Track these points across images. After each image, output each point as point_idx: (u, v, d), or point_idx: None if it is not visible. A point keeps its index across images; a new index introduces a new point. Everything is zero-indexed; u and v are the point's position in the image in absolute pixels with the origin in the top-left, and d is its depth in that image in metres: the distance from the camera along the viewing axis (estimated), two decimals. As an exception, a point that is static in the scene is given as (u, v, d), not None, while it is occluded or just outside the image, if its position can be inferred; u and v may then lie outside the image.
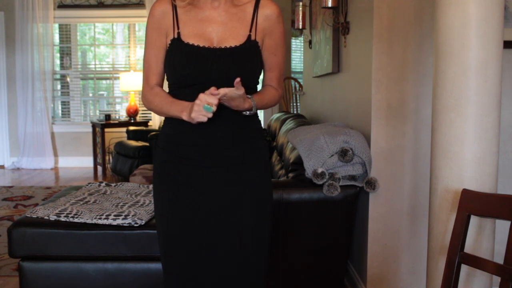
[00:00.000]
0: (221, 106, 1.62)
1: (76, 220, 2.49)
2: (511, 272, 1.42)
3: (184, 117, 1.58)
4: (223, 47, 1.65)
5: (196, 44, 1.65)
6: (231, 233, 1.68)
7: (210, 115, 1.53)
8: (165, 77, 1.75)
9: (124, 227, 2.45)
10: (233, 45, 1.65)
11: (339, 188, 2.47)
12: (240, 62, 1.64)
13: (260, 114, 6.82)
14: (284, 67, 1.81)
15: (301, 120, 3.66)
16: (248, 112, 1.64)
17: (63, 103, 7.84)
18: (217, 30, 1.67)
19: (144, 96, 1.74)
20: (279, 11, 1.72)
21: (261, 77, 1.79)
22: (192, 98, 1.62)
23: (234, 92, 1.53)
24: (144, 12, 7.35)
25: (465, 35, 1.68)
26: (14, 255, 2.48)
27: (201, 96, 1.53)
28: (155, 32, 1.70)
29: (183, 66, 1.64)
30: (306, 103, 5.24)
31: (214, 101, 1.51)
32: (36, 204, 4.99)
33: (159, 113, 1.71)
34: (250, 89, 1.69)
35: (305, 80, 5.30)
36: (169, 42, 1.68)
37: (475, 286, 1.76)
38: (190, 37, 1.66)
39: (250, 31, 1.68)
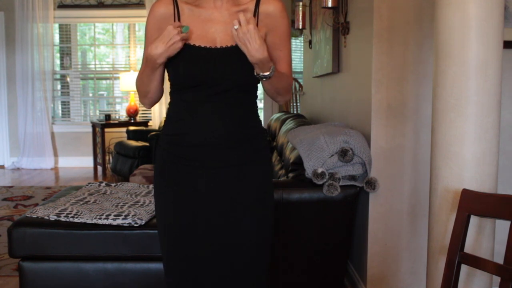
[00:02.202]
0: (221, 106, 1.62)
1: (76, 220, 2.49)
2: (511, 272, 1.42)
3: (147, 59, 1.62)
4: (224, 46, 1.64)
5: (198, 45, 1.64)
6: (232, 234, 1.68)
7: (186, 35, 1.57)
8: (168, 78, 1.75)
9: (124, 227, 2.45)
10: (234, 44, 1.64)
11: (339, 188, 2.47)
12: (242, 61, 1.63)
13: (260, 114, 6.80)
14: (291, 60, 1.78)
15: (301, 120, 3.66)
16: (266, 73, 1.61)
17: (63, 103, 7.84)
18: (219, 30, 1.66)
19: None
20: (282, 6, 1.71)
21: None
22: (195, 99, 1.62)
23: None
24: (144, 12, 7.35)
25: (465, 35, 1.68)
26: (14, 255, 2.48)
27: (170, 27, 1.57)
28: (154, 32, 1.70)
29: (186, 67, 1.64)
30: (306, 103, 5.24)
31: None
32: (36, 204, 4.99)
33: (140, 83, 1.72)
34: (252, 87, 1.69)
35: (305, 80, 5.30)
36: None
37: (475, 286, 1.76)
38: (193, 38, 1.65)
39: (253, 29, 1.67)
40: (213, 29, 1.66)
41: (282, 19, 1.71)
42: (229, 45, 1.64)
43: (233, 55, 1.63)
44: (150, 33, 1.71)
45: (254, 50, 1.55)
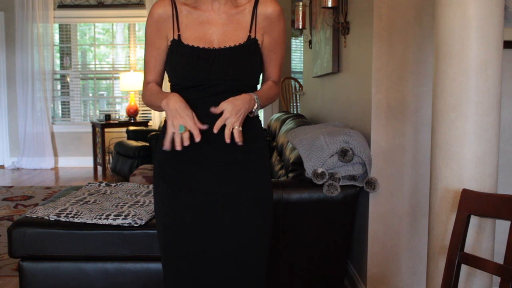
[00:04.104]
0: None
1: (76, 220, 2.49)
2: (511, 272, 1.42)
3: (163, 104, 1.61)
4: (222, 47, 1.65)
5: (196, 46, 1.65)
6: (231, 233, 1.68)
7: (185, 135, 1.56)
8: (167, 78, 1.76)
9: (124, 227, 2.45)
10: (232, 45, 1.65)
11: (339, 188, 2.47)
12: (240, 62, 1.64)
13: (260, 114, 6.82)
14: (283, 63, 1.81)
15: (301, 120, 3.66)
16: (253, 110, 1.65)
17: (63, 103, 7.84)
18: (217, 32, 1.67)
19: (142, 92, 1.79)
20: (279, 9, 1.72)
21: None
22: (193, 99, 1.63)
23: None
24: (144, 12, 7.35)
25: (465, 35, 1.68)
26: (14, 255, 2.48)
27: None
28: (154, 34, 1.71)
29: (183, 67, 1.65)
30: (306, 103, 5.24)
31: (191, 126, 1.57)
32: (36, 204, 4.99)
33: (150, 105, 1.74)
34: (251, 87, 1.70)
35: (305, 80, 5.30)
36: (169, 43, 1.69)
37: (475, 286, 1.76)
38: (191, 40, 1.66)
39: (250, 31, 1.68)
40: (211, 30, 1.67)
41: (279, 22, 1.72)
42: (227, 46, 1.65)
43: (231, 56, 1.64)
44: (150, 35, 1.72)
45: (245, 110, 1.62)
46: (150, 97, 1.72)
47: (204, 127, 1.58)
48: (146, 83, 1.77)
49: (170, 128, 1.57)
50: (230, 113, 1.56)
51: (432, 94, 1.84)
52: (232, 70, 1.63)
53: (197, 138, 1.56)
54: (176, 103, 1.57)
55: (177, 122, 1.56)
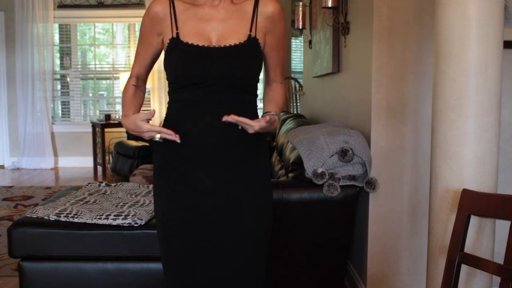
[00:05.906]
0: (219, 105, 1.62)
1: (76, 220, 2.49)
2: (511, 272, 1.42)
3: (123, 120, 1.71)
4: (222, 46, 1.65)
5: (195, 44, 1.64)
6: (231, 232, 1.69)
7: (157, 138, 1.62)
8: (166, 77, 1.76)
9: (124, 227, 2.45)
10: (232, 44, 1.65)
11: (339, 188, 2.47)
12: (240, 61, 1.64)
13: (260, 113, 6.78)
14: (285, 58, 1.82)
15: (301, 120, 3.66)
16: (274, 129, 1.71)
17: (63, 103, 7.84)
18: (216, 28, 1.67)
19: (125, 84, 1.83)
20: (280, 8, 1.72)
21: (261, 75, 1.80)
22: (193, 98, 1.63)
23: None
24: (144, 12, 7.35)
25: (465, 35, 1.68)
26: (14, 255, 2.48)
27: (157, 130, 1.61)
28: (148, 30, 1.72)
29: (182, 66, 1.64)
30: (306, 103, 5.24)
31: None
32: (36, 204, 4.99)
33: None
34: (251, 86, 1.70)
35: (305, 80, 5.30)
36: (167, 41, 1.69)
37: (475, 286, 1.76)
38: (189, 37, 1.66)
39: (250, 30, 1.68)
40: (210, 27, 1.67)
41: (280, 21, 1.73)
42: (226, 44, 1.65)
43: (231, 55, 1.64)
44: (143, 31, 1.74)
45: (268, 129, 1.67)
46: (123, 101, 1.80)
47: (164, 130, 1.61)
48: (131, 76, 1.81)
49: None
50: (253, 128, 1.56)
51: (432, 94, 1.84)
52: (232, 69, 1.63)
53: (175, 138, 1.60)
54: (129, 127, 1.65)
55: (148, 135, 1.61)
